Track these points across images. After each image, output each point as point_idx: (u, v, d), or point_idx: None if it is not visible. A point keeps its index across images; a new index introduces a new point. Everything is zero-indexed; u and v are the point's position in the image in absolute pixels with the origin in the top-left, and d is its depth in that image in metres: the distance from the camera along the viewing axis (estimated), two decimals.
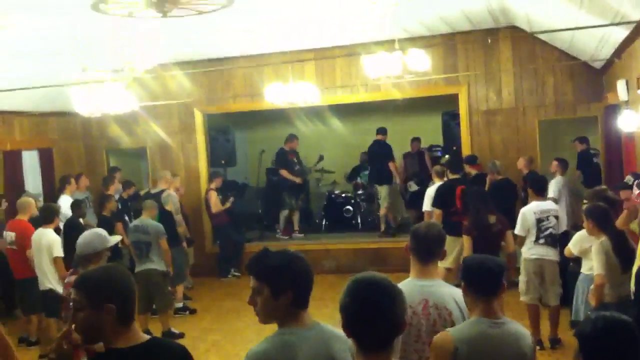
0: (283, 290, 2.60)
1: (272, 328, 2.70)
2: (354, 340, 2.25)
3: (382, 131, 11.56)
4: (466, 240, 6.65)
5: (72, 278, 4.39)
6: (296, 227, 12.19)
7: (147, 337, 2.62)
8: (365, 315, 2.20)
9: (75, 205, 9.01)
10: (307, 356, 2.58)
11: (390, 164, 11.26)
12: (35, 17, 6.71)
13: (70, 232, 8.70)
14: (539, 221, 6.86)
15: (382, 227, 11.51)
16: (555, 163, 9.26)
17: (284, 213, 12.17)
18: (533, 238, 6.86)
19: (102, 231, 4.84)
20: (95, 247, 4.53)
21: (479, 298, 3.08)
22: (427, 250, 3.45)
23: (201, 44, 9.95)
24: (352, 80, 10.91)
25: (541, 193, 7.20)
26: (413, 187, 11.75)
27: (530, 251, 6.90)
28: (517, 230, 6.96)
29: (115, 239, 4.95)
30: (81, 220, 8.87)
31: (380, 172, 11.47)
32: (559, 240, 6.99)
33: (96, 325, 2.50)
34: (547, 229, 6.85)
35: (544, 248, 6.85)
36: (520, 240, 6.97)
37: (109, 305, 2.48)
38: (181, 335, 8.19)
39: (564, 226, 7.52)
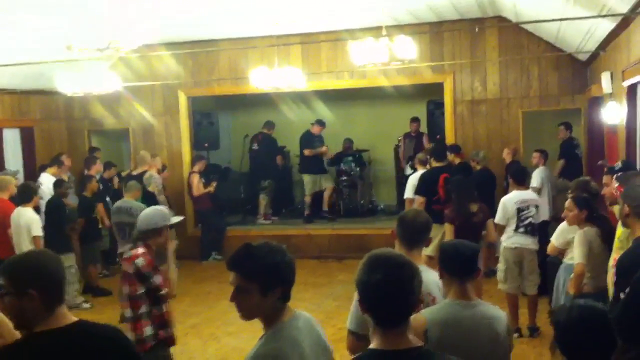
0: (273, 288, 2.55)
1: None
2: (370, 316, 2.24)
3: (320, 122, 12.19)
4: (448, 229, 6.68)
5: (138, 251, 4.41)
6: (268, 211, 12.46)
7: (74, 319, 2.56)
8: (386, 291, 2.19)
9: (58, 185, 8.93)
10: (308, 345, 2.59)
11: (306, 151, 11.96)
12: None
13: (53, 212, 8.66)
14: (519, 210, 6.92)
15: (306, 213, 12.03)
16: (536, 154, 9.32)
17: (264, 198, 12.23)
18: (513, 227, 6.93)
19: (164, 208, 4.87)
20: (157, 223, 4.50)
21: (453, 281, 3.16)
22: (413, 237, 3.49)
23: (187, 25, 9.87)
24: (337, 66, 10.88)
25: (522, 182, 7.25)
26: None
27: (509, 240, 6.96)
28: (497, 219, 7.02)
29: (177, 218, 4.88)
30: (70, 197, 8.83)
31: (302, 160, 12.24)
32: (539, 230, 7.06)
33: (19, 310, 2.49)
34: (526, 218, 6.93)
35: (523, 237, 6.92)
36: (500, 229, 7.03)
37: (30, 291, 2.45)
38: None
39: (544, 216, 7.57)
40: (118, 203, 8.47)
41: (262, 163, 12.26)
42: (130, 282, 4.40)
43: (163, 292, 4.49)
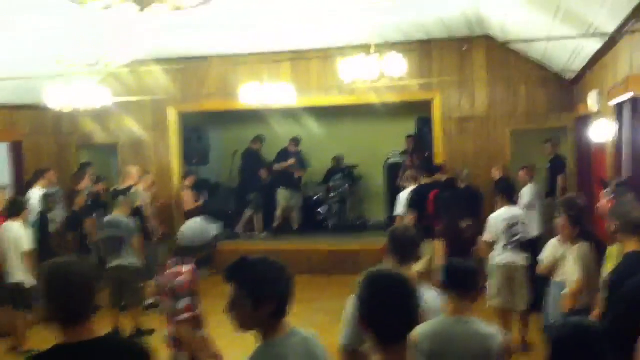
0: (265, 301, 2.54)
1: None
2: (371, 333, 2.25)
3: (294, 140, 12.77)
4: (438, 245, 6.71)
5: (183, 268, 4.35)
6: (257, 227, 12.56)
7: (101, 334, 2.54)
8: (389, 309, 2.22)
9: (44, 199, 8.93)
10: None
11: (275, 166, 12.51)
12: (11, 8, 6.62)
13: (45, 225, 8.66)
14: (509, 227, 6.94)
15: (275, 224, 12.44)
16: (521, 173, 9.28)
17: (249, 212, 12.35)
18: (502, 243, 6.94)
19: (206, 220, 4.76)
20: (208, 237, 4.46)
21: (452, 296, 3.17)
22: (404, 252, 3.52)
23: (177, 41, 9.89)
24: (327, 83, 10.92)
25: (510, 198, 7.28)
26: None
27: (499, 257, 6.97)
28: (486, 236, 7.04)
29: (216, 227, 4.85)
30: (57, 212, 8.82)
31: (275, 176, 12.63)
32: (530, 246, 7.07)
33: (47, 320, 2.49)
34: (516, 234, 6.94)
35: (512, 253, 6.93)
36: (487, 246, 7.05)
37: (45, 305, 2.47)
38: (150, 333, 8.12)
39: (535, 231, 7.55)
40: (108, 218, 8.46)
41: (246, 178, 12.54)
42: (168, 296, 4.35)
43: (182, 317, 4.42)
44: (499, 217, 7.04)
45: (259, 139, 12.60)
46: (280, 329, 2.61)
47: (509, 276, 6.94)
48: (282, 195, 12.24)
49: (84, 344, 2.43)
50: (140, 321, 8.28)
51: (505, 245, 6.93)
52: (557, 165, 10.21)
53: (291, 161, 12.32)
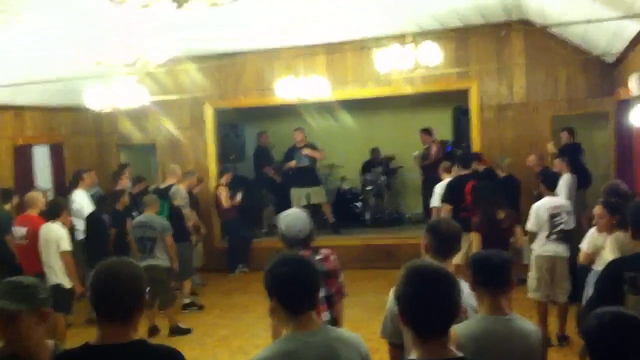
0: (271, 296, 2.62)
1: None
2: (411, 328, 2.23)
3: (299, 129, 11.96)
4: (475, 237, 6.60)
5: (325, 251, 4.29)
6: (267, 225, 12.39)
7: (134, 338, 2.50)
8: (429, 303, 2.19)
9: (102, 200, 9.08)
10: None
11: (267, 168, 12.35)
12: (50, 10, 6.71)
13: (92, 227, 8.78)
14: (552, 217, 6.79)
15: None
16: (557, 162, 9.05)
17: (269, 211, 12.35)
18: (545, 234, 6.79)
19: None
20: (306, 231, 4.35)
21: (485, 293, 3.07)
22: (446, 247, 3.44)
23: (213, 39, 9.93)
24: (362, 75, 10.86)
25: (553, 188, 7.13)
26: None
27: (542, 248, 6.83)
28: (529, 226, 6.91)
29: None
30: (104, 215, 8.93)
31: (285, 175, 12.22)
32: (571, 236, 6.93)
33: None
34: (559, 224, 6.79)
35: (555, 244, 6.78)
36: (531, 237, 6.92)
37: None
38: (188, 331, 8.20)
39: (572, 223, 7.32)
40: (140, 218, 8.54)
41: (257, 175, 12.63)
42: (329, 281, 4.24)
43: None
44: (542, 206, 6.89)
45: (261, 134, 12.58)
46: (302, 324, 2.61)
47: (551, 268, 6.81)
48: (293, 195, 11.73)
49: (110, 346, 2.41)
50: (176, 320, 8.34)
51: (548, 235, 6.78)
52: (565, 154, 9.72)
53: (291, 163, 11.78)
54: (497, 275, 3.05)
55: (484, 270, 3.08)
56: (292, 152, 11.85)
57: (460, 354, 2.24)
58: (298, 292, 2.61)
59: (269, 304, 2.65)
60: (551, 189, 7.08)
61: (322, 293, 4.11)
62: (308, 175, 11.71)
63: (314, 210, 12.49)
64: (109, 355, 2.40)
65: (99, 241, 8.63)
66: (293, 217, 4.37)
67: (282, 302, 2.60)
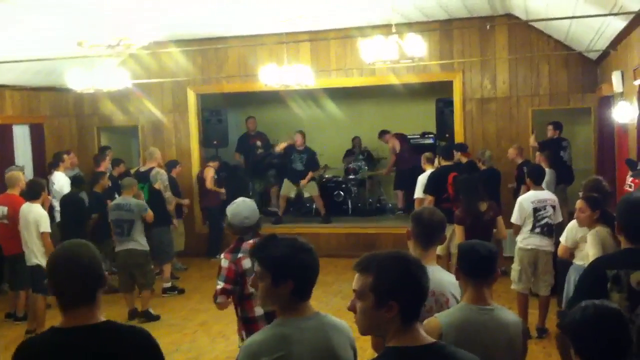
0: (284, 280, 2.57)
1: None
2: (400, 316, 2.20)
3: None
4: (458, 229, 6.64)
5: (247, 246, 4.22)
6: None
7: (102, 319, 2.46)
8: (416, 291, 2.24)
9: (77, 181, 8.99)
10: (304, 348, 2.56)
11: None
12: None
13: (69, 207, 8.70)
14: (536, 210, 6.83)
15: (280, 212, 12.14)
16: (539, 156, 9.13)
17: (275, 191, 12.54)
18: (529, 227, 6.84)
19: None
20: (255, 218, 4.39)
21: (469, 282, 3.10)
22: (430, 236, 3.45)
23: (197, 23, 9.87)
24: (347, 64, 10.87)
25: (539, 183, 7.15)
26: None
27: (525, 241, 6.88)
28: (514, 219, 6.96)
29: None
30: (82, 195, 8.86)
31: None
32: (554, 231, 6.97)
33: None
34: (543, 218, 6.83)
35: (539, 238, 6.83)
36: (515, 229, 6.97)
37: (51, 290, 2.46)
38: (157, 318, 8.16)
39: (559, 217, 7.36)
40: (117, 200, 8.47)
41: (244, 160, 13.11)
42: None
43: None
44: (527, 199, 6.94)
45: (250, 119, 13.02)
46: (299, 310, 2.63)
47: (534, 261, 6.87)
48: (285, 185, 12.00)
49: (79, 328, 2.39)
50: (148, 305, 8.28)
51: (531, 229, 6.83)
52: (545, 148, 9.71)
53: (281, 145, 12.10)
54: (483, 265, 3.08)
55: (470, 259, 3.11)
56: (291, 151, 11.94)
57: (431, 339, 2.24)
58: (314, 279, 2.65)
59: (255, 274, 2.65)
60: (536, 182, 7.11)
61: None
62: (300, 176, 11.87)
63: (303, 200, 12.60)
64: (78, 337, 2.38)
65: (74, 222, 8.57)
66: (239, 205, 4.41)
67: (297, 286, 2.59)
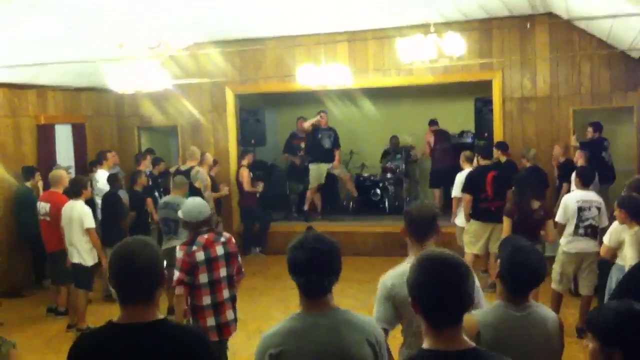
0: (292, 276, 2.67)
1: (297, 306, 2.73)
2: (424, 317, 2.19)
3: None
4: (506, 222, 6.57)
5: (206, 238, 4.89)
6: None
7: (160, 317, 2.50)
8: (441, 292, 2.16)
9: (113, 179, 9.12)
10: (311, 343, 2.58)
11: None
12: None
13: (109, 205, 8.85)
14: (580, 210, 6.73)
15: (305, 207, 12.04)
16: (578, 152, 8.98)
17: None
18: (572, 228, 6.74)
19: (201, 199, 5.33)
20: (207, 213, 4.96)
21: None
22: (422, 230, 3.46)
23: (235, 24, 9.95)
24: (384, 64, 10.84)
25: (588, 184, 7.00)
26: None
27: (569, 245, 6.79)
28: (558, 217, 6.87)
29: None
30: (120, 192, 9.00)
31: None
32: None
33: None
34: (587, 219, 6.73)
35: (583, 241, 6.73)
36: (560, 228, 6.87)
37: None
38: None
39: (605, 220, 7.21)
40: (165, 198, 8.52)
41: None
42: (231, 262, 5.04)
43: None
44: (572, 198, 6.84)
45: (300, 119, 12.59)
46: (314, 305, 2.66)
47: (577, 263, 6.77)
48: (312, 170, 11.81)
49: (135, 325, 2.44)
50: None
51: (574, 230, 6.74)
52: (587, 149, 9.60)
53: (307, 123, 11.93)
54: (527, 278, 2.96)
55: (516, 276, 2.95)
56: (317, 132, 11.86)
57: (472, 344, 2.21)
58: (315, 276, 2.66)
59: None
60: (585, 184, 6.97)
61: (224, 273, 4.89)
62: (329, 154, 11.78)
63: (333, 184, 12.59)
64: (134, 333, 2.43)
65: (113, 220, 8.70)
66: (190, 202, 5.06)
67: (299, 284, 2.66)
